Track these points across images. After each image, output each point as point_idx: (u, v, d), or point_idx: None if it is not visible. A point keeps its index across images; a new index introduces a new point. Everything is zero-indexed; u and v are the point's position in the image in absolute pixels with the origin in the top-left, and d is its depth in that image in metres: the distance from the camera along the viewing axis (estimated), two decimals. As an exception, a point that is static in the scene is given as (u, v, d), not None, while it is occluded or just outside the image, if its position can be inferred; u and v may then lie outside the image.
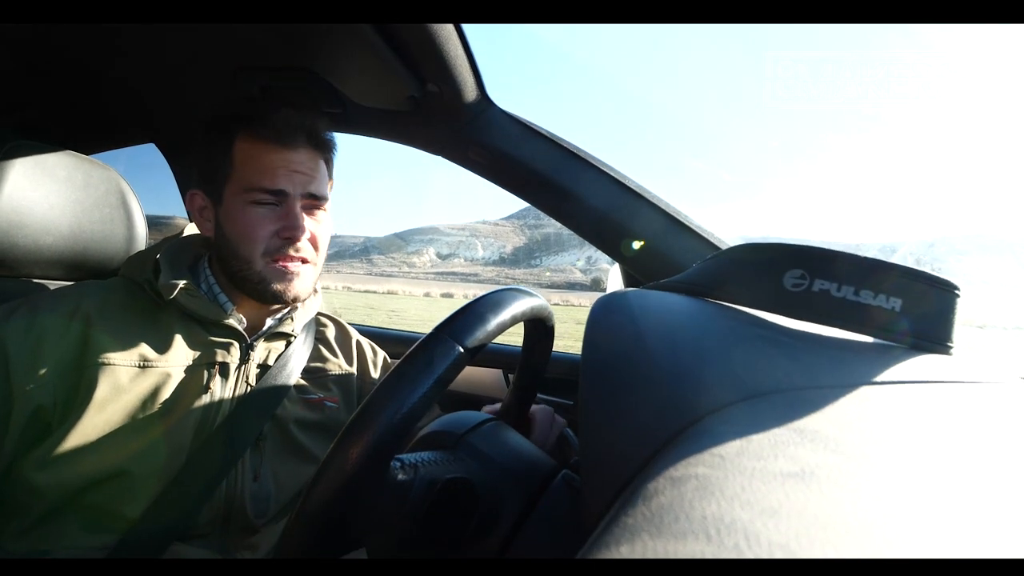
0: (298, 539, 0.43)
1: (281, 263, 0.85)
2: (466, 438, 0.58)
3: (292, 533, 0.43)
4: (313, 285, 0.91)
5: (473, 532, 0.51)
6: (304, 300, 0.91)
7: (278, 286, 0.85)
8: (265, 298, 0.86)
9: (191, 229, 0.95)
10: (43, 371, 0.73)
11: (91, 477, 0.72)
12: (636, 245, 1.04)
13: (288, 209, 0.84)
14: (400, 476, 0.49)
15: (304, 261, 0.87)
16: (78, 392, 0.74)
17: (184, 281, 0.81)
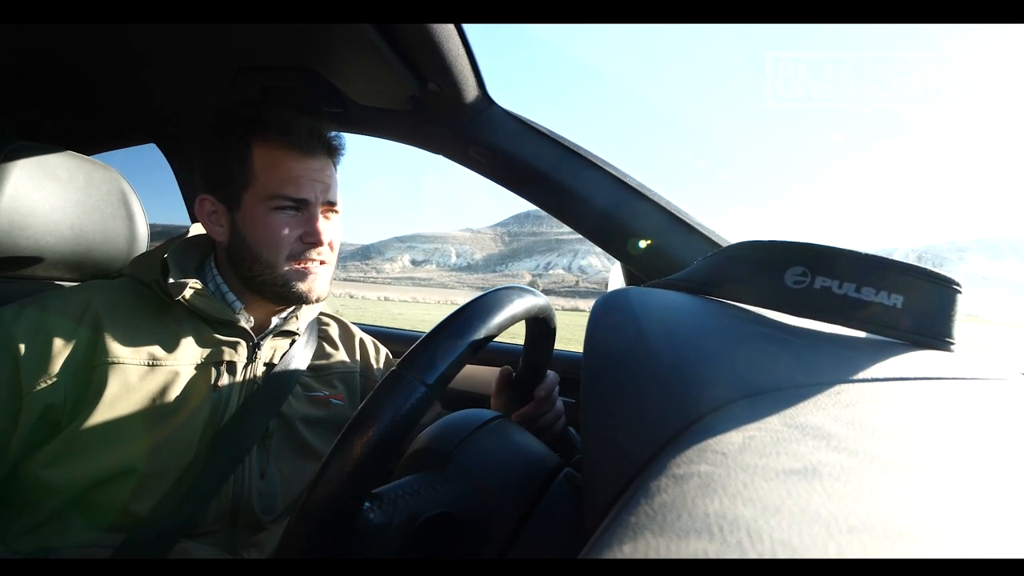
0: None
1: (303, 265, 0.87)
2: (455, 454, 0.55)
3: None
4: (329, 285, 0.93)
5: (464, 551, 0.50)
6: (325, 298, 0.93)
7: (302, 287, 0.87)
8: (288, 299, 0.89)
9: (196, 229, 0.96)
10: (53, 371, 0.74)
11: (99, 475, 0.73)
12: (643, 244, 1.04)
13: (310, 216, 0.87)
14: (375, 517, 0.46)
15: (323, 263, 0.90)
16: (88, 391, 0.75)
17: (194, 281, 0.82)
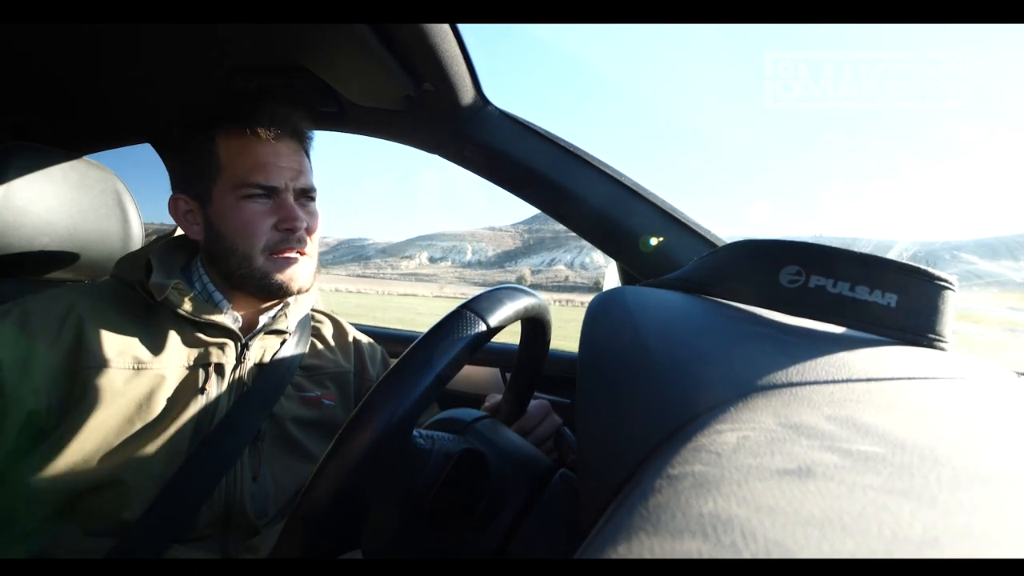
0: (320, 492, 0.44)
1: (282, 255, 0.85)
2: (473, 425, 0.61)
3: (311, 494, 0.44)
4: (312, 276, 0.91)
5: (483, 510, 0.52)
6: (307, 290, 0.91)
7: (281, 277, 0.85)
8: (269, 292, 0.86)
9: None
10: (35, 376, 0.72)
11: (87, 482, 0.72)
12: (653, 242, 1.04)
13: (282, 203, 0.84)
14: (420, 443, 0.52)
15: (302, 253, 0.88)
16: (72, 396, 0.73)
17: (176, 281, 0.81)
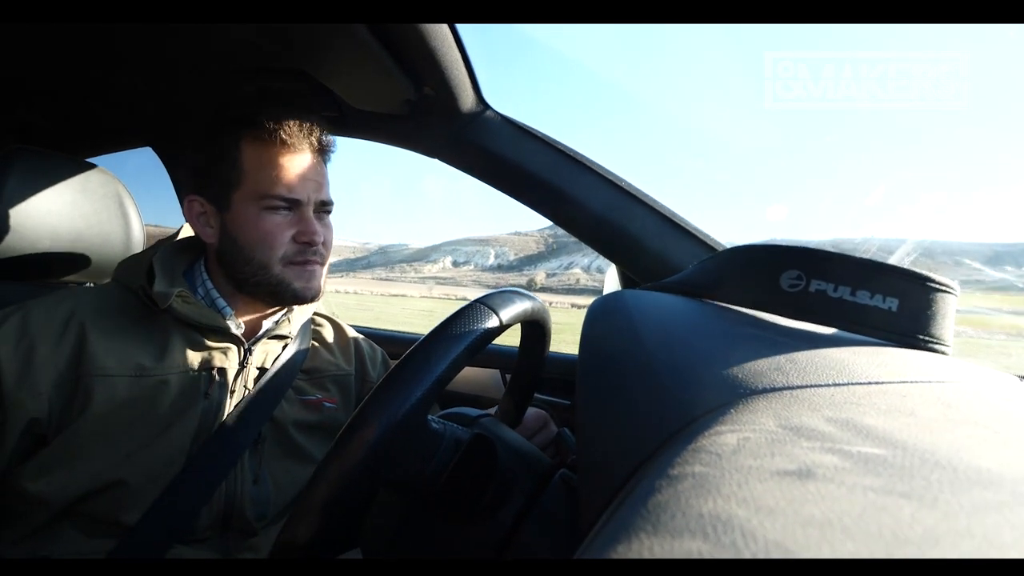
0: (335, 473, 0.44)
1: (299, 265, 0.86)
2: (478, 421, 0.62)
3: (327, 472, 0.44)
4: (324, 285, 0.92)
5: (491, 498, 0.53)
6: (319, 299, 0.92)
7: (297, 285, 0.86)
8: (282, 300, 0.87)
9: (187, 231, 0.94)
10: (36, 383, 0.72)
11: (88, 487, 0.71)
12: (656, 244, 1.04)
13: (303, 215, 0.85)
14: (434, 426, 0.54)
15: (318, 263, 0.88)
16: (74, 403, 0.73)
17: (179, 289, 0.80)
